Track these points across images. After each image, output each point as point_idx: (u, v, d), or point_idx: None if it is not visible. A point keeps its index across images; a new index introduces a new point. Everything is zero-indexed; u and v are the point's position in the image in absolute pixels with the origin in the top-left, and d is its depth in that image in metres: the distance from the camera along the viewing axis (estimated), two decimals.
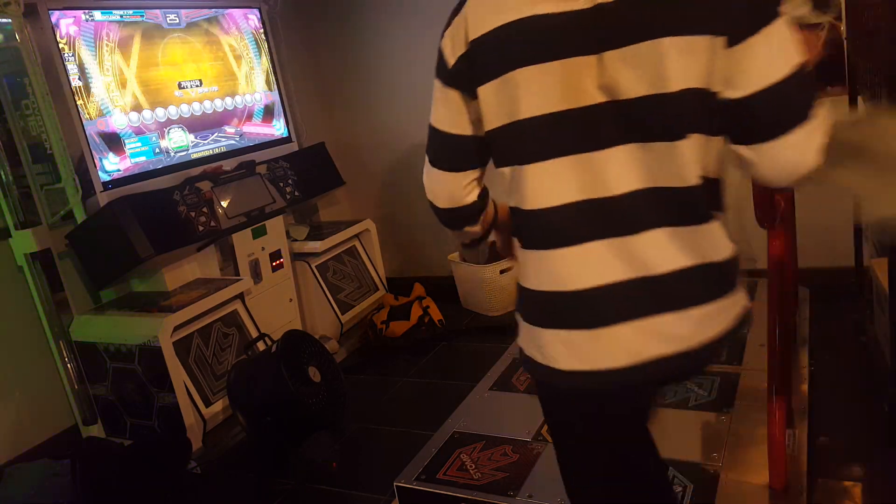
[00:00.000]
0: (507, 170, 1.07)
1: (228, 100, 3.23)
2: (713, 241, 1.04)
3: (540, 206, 1.03)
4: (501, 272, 3.60)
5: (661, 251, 0.99)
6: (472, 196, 1.23)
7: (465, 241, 1.40)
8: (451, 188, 1.22)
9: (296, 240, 3.41)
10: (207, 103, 3.11)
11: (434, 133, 1.20)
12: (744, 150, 1.00)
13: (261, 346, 2.76)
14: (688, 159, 0.97)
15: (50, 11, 2.48)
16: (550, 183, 1.01)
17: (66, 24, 2.53)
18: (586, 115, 0.97)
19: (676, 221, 0.99)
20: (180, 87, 2.98)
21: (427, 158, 1.23)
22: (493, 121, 1.06)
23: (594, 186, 0.99)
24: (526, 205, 1.05)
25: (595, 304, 1.01)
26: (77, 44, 2.57)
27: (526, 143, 1.02)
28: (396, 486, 2.06)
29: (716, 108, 0.96)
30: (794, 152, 1.03)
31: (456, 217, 1.28)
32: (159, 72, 2.90)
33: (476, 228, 1.31)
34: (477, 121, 1.10)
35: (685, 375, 1.29)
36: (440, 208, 1.27)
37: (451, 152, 1.18)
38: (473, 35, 1.04)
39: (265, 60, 3.46)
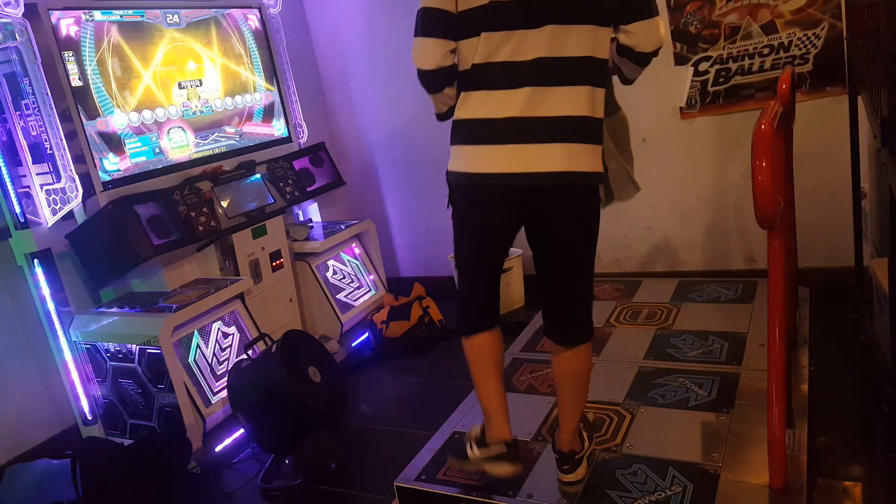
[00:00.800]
0: (471, 40, 1.65)
1: (228, 100, 3.23)
2: (595, 103, 1.65)
3: (485, 62, 1.64)
4: (501, 272, 3.60)
5: (556, 101, 1.61)
6: (450, 60, 1.71)
7: (442, 111, 1.86)
8: (436, 52, 1.68)
9: (296, 240, 3.41)
10: (207, 103, 3.11)
11: (427, 11, 1.67)
12: (627, 28, 1.61)
13: (261, 346, 2.76)
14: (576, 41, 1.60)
15: (50, 11, 2.48)
16: (493, 47, 1.61)
17: (66, 24, 2.54)
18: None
19: (571, 82, 1.62)
20: (180, 86, 2.98)
21: (419, 35, 1.70)
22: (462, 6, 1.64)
23: (517, 53, 1.60)
24: (477, 60, 1.65)
25: (508, 129, 1.64)
26: (77, 44, 2.57)
27: (479, 21, 1.62)
28: (396, 486, 2.07)
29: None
30: (653, 27, 1.62)
31: (440, 76, 1.73)
32: (159, 72, 2.90)
33: (452, 91, 1.76)
34: (454, 5, 1.64)
35: (555, 189, 1.67)
36: (428, 70, 1.73)
37: (437, 23, 1.66)
38: None
39: (265, 60, 3.46)
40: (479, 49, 1.63)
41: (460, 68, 1.71)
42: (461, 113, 1.72)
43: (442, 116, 1.86)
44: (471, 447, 1.92)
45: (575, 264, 1.81)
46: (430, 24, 1.66)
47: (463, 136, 1.72)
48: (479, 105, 1.67)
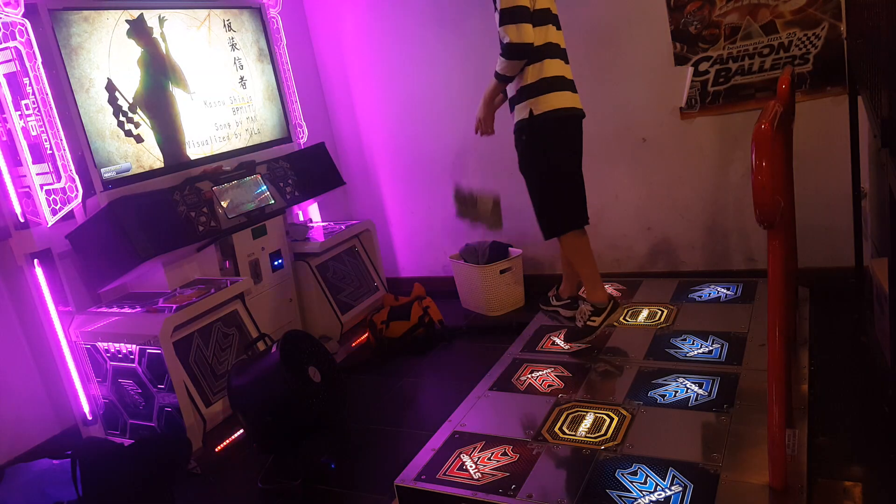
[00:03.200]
0: (539, 28, 2.49)
1: (229, 100, 3.23)
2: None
3: (546, 42, 2.53)
4: (501, 272, 3.60)
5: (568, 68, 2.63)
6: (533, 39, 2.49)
7: (513, 74, 2.53)
8: (531, 32, 2.43)
9: (296, 240, 3.41)
10: (208, 103, 3.11)
11: (520, 7, 2.39)
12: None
13: (261, 346, 2.76)
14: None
15: (50, 11, 2.48)
16: (545, 33, 2.52)
17: (66, 24, 2.54)
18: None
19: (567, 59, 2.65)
20: (180, 86, 2.98)
21: (517, 21, 2.39)
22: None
23: (553, 38, 2.55)
24: (543, 41, 2.52)
25: (569, 83, 2.60)
26: (77, 43, 2.57)
27: (540, 16, 2.51)
28: (396, 486, 2.07)
29: None
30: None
31: (527, 49, 2.44)
32: (159, 71, 2.90)
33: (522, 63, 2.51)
34: (533, 4, 2.46)
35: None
36: (527, 43, 2.42)
37: (527, 14, 2.41)
38: None
39: (266, 60, 3.47)
40: (542, 34, 2.49)
41: (536, 45, 2.49)
42: (545, 73, 2.51)
43: (507, 80, 2.55)
44: (592, 320, 2.68)
45: None
46: (524, 14, 2.39)
47: (549, 86, 2.51)
48: (552, 68, 2.52)
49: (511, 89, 2.58)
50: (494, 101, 2.67)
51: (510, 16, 2.39)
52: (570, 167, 2.64)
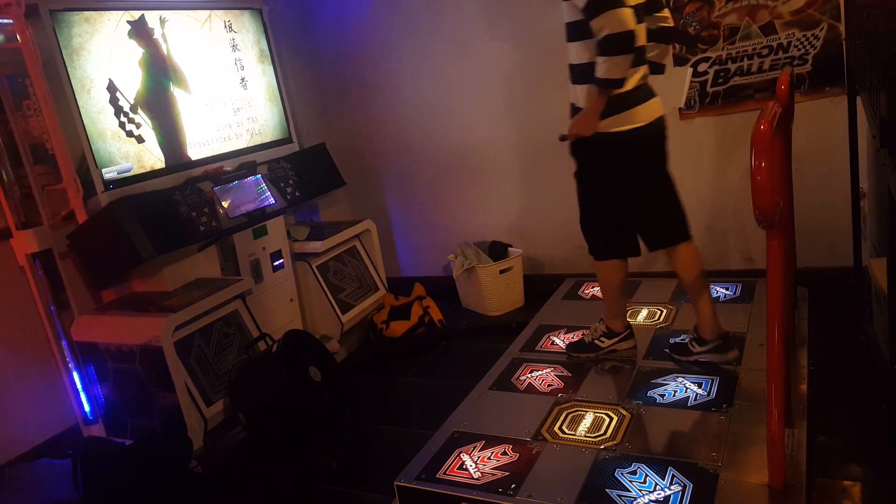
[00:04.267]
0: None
1: (230, 100, 3.23)
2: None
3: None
4: (501, 272, 3.61)
5: None
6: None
7: (623, 76, 2.17)
8: (631, 18, 2.08)
9: (296, 240, 3.42)
10: (209, 104, 3.12)
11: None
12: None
13: (261, 346, 2.77)
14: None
15: (51, 11, 2.49)
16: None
17: (67, 24, 2.54)
18: None
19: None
20: (181, 87, 2.99)
21: (615, 7, 2.04)
22: None
23: (641, 32, 2.25)
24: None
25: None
26: (79, 44, 2.57)
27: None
28: (396, 485, 2.07)
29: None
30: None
31: (632, 39, 2.10)
32: (161, 72, 2.90)
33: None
34: None
35: None
36: (631, 30, 2.07)
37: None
38: None
39: (266, 61, 3.47)
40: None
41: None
42: (628, 83, 2.22)
43: (616, 84, 2.17)
44: (601, 340, 2.65)
45: None
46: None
47: (631, 99, 2.25)
48: (635, 75, 2.25)
49: (580, 98, 2.30)
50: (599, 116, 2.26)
51: (604, 3, 2.05)
52: (637, 190, 2.37)
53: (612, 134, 2.25)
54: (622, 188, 2.36)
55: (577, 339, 2.75)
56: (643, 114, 2.27)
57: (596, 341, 2.65)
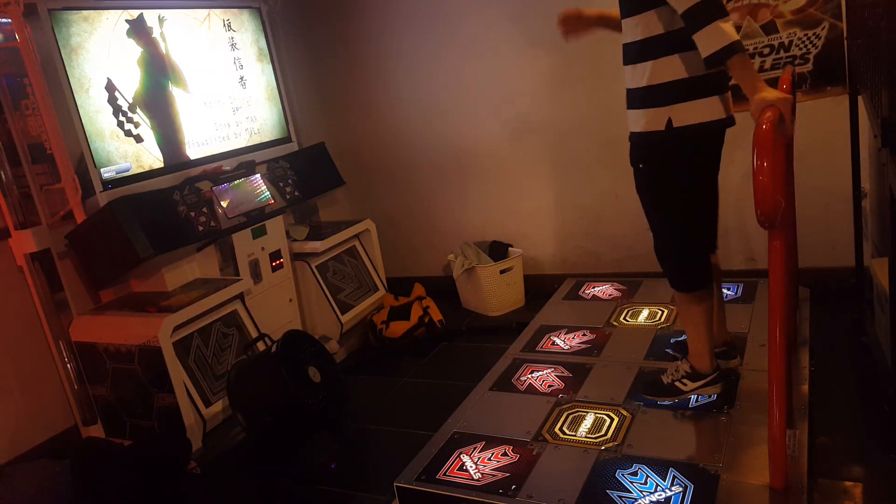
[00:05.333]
0: None
1: (229, 99, 3.23)
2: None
3: None
4: (501, 272, 3.60)
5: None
6: None
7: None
8: None
9: (296, 240, 3.41)
10: (208, 103, 3.11)
11: None
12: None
13: (261, 346, 2.76)
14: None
15: (49, 11, 2.48)
16: None
17: (66, 24, 2.53)
18: None
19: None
20: (180, 86, 2.98)
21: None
22: None
23: None
24: None
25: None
26: (77, 43, 2.57)
27: None
28: (396, 486, 2.06)
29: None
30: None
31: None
32: (159, 71, 2.89)
33: None
34: None
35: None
36: None
37: None
38: None
39: (265, 60, 3.46)
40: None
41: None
42: (687, 69, 1.91)
43: (739, 47, 1.77)
44: (683, 382, 2.22)
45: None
46: None
47: (695, 88, 1.92)
48: (695, 61, 1.88)
49: (637, 79, 1.96)
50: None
51: None
52: (705, 199, 2.09)
53: (678, 130, 1.91)
54: (698, 193, 2.04)
55: (652, 381, 2.31)
56: (713, 106, 1.93)
57: (677, 383, 2.22)
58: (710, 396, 2.21)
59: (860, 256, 2.81)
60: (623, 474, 1.93)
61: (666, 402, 2.24)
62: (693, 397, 2.26)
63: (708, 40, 1.76)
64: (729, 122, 1.97)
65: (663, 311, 2.97)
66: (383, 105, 3.98)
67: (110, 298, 2.83)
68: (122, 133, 2.71)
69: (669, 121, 1.91)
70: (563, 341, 2.85)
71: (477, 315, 3.70)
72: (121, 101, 2.72)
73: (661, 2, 1.86)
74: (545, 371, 2.61)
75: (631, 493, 1.84)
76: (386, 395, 3.00)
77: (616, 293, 3.27)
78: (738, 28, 3.04)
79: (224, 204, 2.95)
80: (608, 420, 2.21)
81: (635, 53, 1.96)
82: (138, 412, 2.65)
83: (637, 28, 1.93)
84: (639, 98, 1.96)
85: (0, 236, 2.55)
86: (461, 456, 2.14)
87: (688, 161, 1.97)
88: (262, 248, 3.16)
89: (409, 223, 4.14)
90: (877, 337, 2.41)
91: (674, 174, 1.99)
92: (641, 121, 1.96)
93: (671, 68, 1.90)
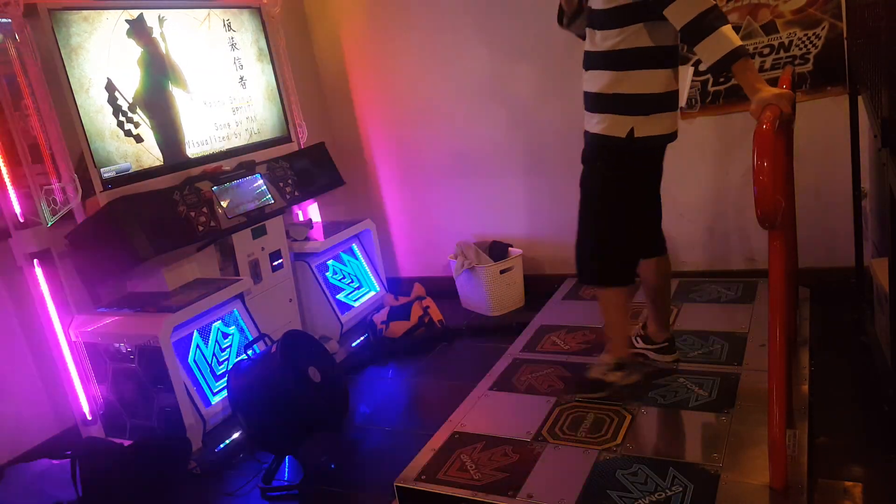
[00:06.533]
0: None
1: (229, 99, 3.22)
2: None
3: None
4: (501, 272, 3.60)
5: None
6: None
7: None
8: None
9: (296, 240, 3.41)
10: (208, 103, 3.11)
11: None
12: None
13: (261, 346, 2.76)
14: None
15: (49, 10, 2.48)
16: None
17: (66, 24, 2.53)
18: None
19: None
20: (180, 86, 2.98)
21: None
22: None
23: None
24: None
25: None
26: (77, 43, 2.57)
27: None
28: (396, 486, 2.07)
29: None
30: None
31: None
32: (159, 71, 2.89)
33: None
34: None
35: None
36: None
37: None
38: None
39: (265, 60, 3.46)
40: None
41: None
42: (659, 83, 2.03)
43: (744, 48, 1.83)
44: (608, 375, 2.32)
45: None
46: None
47: (658, 103, 2.04)
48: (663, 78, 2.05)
49: (600, 83, 2.04)
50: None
51: None
52: (646, 206, 2.26)
53: (638, 140, 2.02)
54: (639, 200, 2.20)
55: (580, 378, 2.42)
56: (669, 122, 2.08)
57: (603, 377, 2.34)
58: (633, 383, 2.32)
59: (860, 256, 2.81)
60: (623, 474, 1.93)
61: (597, 397, 2.31)
62: (693, 396, 2.26)
63: (712, 49, 1.82)
64: (675, 136, 2.11)
65: None
66: (383, 105, 3.98)
67: (110, 298, 2.83)
68: (121, 133, 2.71)
69: (632, 130, 2.01)
70: (563, 341, 2.85)
71: (477, 315, 3.70)
72: (121, 101, 2.71)
73: (650, 16, 1.93)
74: (545, 371, 2.61)
75: (631, 493, 1.84)
76: (386, 395, 3.00)
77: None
78: (737, 28, 3.05)
79: (224, 204, 2.95)
80: (608, 420, 2.21)
81: (609, 62, 2.02)
82: (138, 412, 2.65)
83: (616, 39, 1.99)
84: (603, 103, 2.05)
85: (0, 236, 2.54)
86: (461, 456, 2.14)
87: (639, 169, 2.13)
88: (262, 248, 3.16)
89: (409, 223, 4.14)
90: (877, 337, 2.41)
91: (624, 179, 2.11)
92: (603, 124, 2.05)
93: (643, 81, 2.00)
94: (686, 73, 3.18)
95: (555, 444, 2.14)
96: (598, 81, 2.06)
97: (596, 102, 2.08)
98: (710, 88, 3.16)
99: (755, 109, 1.78)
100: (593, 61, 2.08)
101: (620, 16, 1.97)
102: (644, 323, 2.50)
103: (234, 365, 2.59)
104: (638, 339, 2.47)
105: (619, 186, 2.12)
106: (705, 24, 1.80)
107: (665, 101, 2.04)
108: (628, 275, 2.22)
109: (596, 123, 2.08)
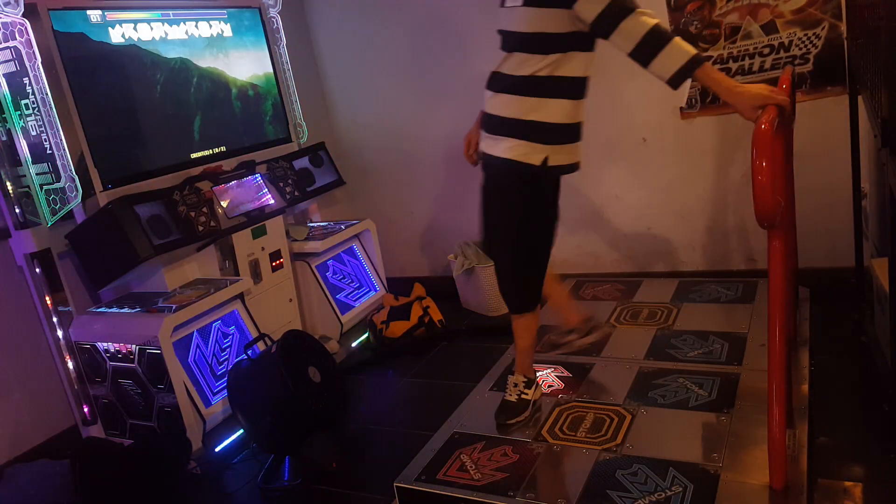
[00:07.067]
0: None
1: (228, 99, 3.22)
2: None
3: None
4: None
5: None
6: None
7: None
8: None
9: (296, 240, 3.41)
10: (208, 102, 3.11)
11: None
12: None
13: (261, 346, 2.76)
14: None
15: (49, 11, 2.48)
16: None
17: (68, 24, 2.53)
18: None
19: None
20: (180, 85, 2.98)
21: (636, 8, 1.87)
22: None
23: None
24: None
25: None
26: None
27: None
28: (396, 486, 2.07)
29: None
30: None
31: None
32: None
33: None
34: None
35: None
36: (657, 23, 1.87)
37: None
38: None
39: (265, 60, 3.46)
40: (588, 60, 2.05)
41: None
42: (580, 116, 2.08)
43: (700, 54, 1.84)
44: (525, 392, 2.32)
45: None
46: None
47: (574, 135, 2.09)
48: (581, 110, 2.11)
49: (515, 108, 2.03)
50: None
51: (623, 8, 1.85)
52: (550, 229, 2.22)
53: (552, 168, 2.05)
54: (549, 225, 2.19)
55: (501, 405, 2.34)
56: (577, 152, 2.11)
57: (523, 396, 2.32)
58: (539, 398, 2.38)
59: (860, 256, 2.81)
60: (623, 474, 1.93)
61: (522, 417, 2.29)
62: (693, 396, 2.26)
63: (667, 62, 1.83)
64: (578, 167, 2.14)
65: (663, 311, 2.97)
66: (384, 105, 3.98)
67: (110, 298, 2.83)
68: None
69: (546, 158, 2.02)
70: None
71: (477, 315, 3.70)
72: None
73: (578, 47, 1.96)
74: (545, 371, 2.61)
75: (631, 493, 1.84)
76: (386, 395, 3.00)
77: (616, 293, 3.27)
78: (737, 28, 3.05)
79: (224, 204, 2.95)
80: (608, 420, 2.21)
81: (528, 87, 2.00)
82: (138, 412, 2.65)
83: (539, 65, 1.97)
84: (517, 129, 2.02)
85: (0, 236, 2.54)
86: (461, 456, 2.14)
87: (548, 196, 2.14)
88: (262, 248, 3.16)
89: (409, 223, 4.14)
90: (877, 337, 2.41)
91: (538, 206, 2.11)
92: (517, 150, 2.02)
93: (560, 111, 2.01)
94: None
95: (555, 444, 2.14)
96: (511, 106, 2.03)
97: (508, 127, 2.05)
98: None
99: (745, 107, 1.77)
100: (506, 84, 2.05)
101: (547, 43, 1.95)
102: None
103: (234, 364, 2.59)
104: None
105: (534, 213, 2.12)
106: (655, 42, 1.83)
107: (575, 132, 2.07)
108: (540, 297, 2.27)
109: (508, 149, 2.04)
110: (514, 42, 2.03)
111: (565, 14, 1.91)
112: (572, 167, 2.11)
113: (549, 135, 2.02)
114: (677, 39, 1.84)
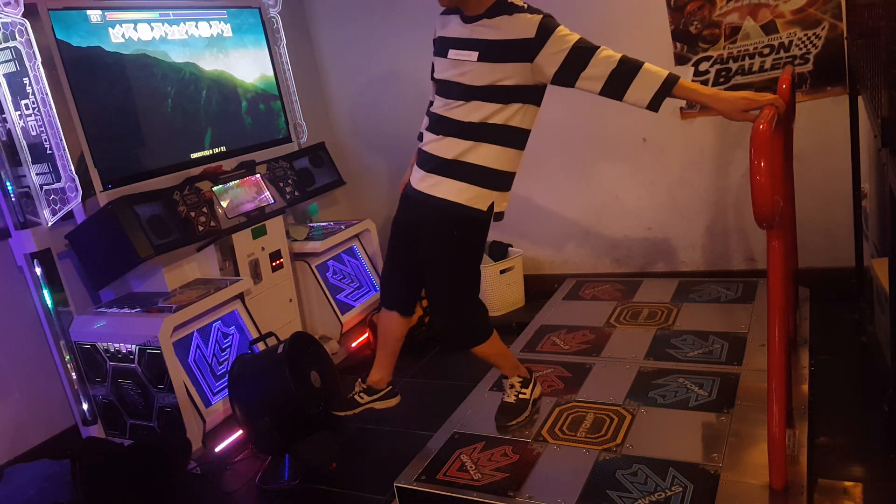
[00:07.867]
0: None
1: (232, 99, 3.22)
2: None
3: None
4: (502, 272, 3.60)
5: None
6: None
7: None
8: None
9: (296, 240, 3.41)
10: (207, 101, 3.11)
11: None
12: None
13: (260, 346, 2.76)
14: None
15: (49, 11, 2.48)
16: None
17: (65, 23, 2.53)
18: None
19: None
20: (180, 83, 2.98)
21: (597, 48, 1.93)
22: None
23: None
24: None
25: None
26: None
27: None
28: (396, 486, 2.07)
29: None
30: None
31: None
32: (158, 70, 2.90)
33: None
34: None
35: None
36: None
37: None
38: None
39: (265, 60, 3.46)
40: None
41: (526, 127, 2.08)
42: (517, 166, 2.14)
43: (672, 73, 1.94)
44: (523, 392, 2.34)
45: None
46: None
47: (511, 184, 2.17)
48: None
49: (463, 152, 2.02)
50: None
51: (583, 58, 1.89)
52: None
53: (498, 214, 2.15)
54: (478, 264, 2.24)
55: (501, 406, 2.35)
56: (508, 199, 2.18)
57: (521, 396, 2.34)
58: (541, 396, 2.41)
59: (860, 256, 2.81)
60: (623, 474, 1.93)
61: (523, 417, 2.30)
62: (693, 396, 2.26)
63: (641, 91, 1.90)
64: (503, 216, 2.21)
65: (663, 311, 2.97)
66: (384, 105, 3.98)
67: (110, 298, 2.83)
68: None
69: (492, 204, 2.09)
70: (563, 341, 2.85)
71: None
72: None
73: (532, 100, 2.01)
74: (545, 371, 2.61)
75: (631, 493, 1.85)
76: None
77: (616, 293, 3.27)
78: (737, 28, 3.05)
79: (224, 204, 2.95)
80: (608, 420, 2.21)
81: (479, 133, 2.01)
82: (138, 412, 2.65)
83: (491, 113, 1.98)
84: (470, 173, 2.03)
85: (0, 236, 2.54)
86: (461, 456, 2.14)
87: (485, 237, 2.21)
88: (262, 248, 3.16)
89: None
90: (877, 337, 2.41)
91: (478, 247, 2.19)
92: (466, 194, 2.04)
93: (508, 160, 2.06)
94: (686, 74, 3.19)
95: (555, 444, 2.14)
96: (459, 149, 2.02)
97: (454, 169, 2.04)
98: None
99: (732, 110, 1.84)
100: (454, 129, 2.03)
101: (504, 93, 1.97)
102: (362, 378, 2.41)
103: (235, 363, 2.59)
104: (361, 395, 2.36)
105: (476, 254, 2.19)
106: (622, 78, 1.87)
107: (512, 180, 2.14)
108: (489, 323, 2.28)
109: (456, 192, 2.04)
110: (466, 93, 2.00)
111: (526, 67, 1.92)
112: (502, 214, 2.17)
113: (498, 181, 2.07)
114: (647, 65, 1.88)
